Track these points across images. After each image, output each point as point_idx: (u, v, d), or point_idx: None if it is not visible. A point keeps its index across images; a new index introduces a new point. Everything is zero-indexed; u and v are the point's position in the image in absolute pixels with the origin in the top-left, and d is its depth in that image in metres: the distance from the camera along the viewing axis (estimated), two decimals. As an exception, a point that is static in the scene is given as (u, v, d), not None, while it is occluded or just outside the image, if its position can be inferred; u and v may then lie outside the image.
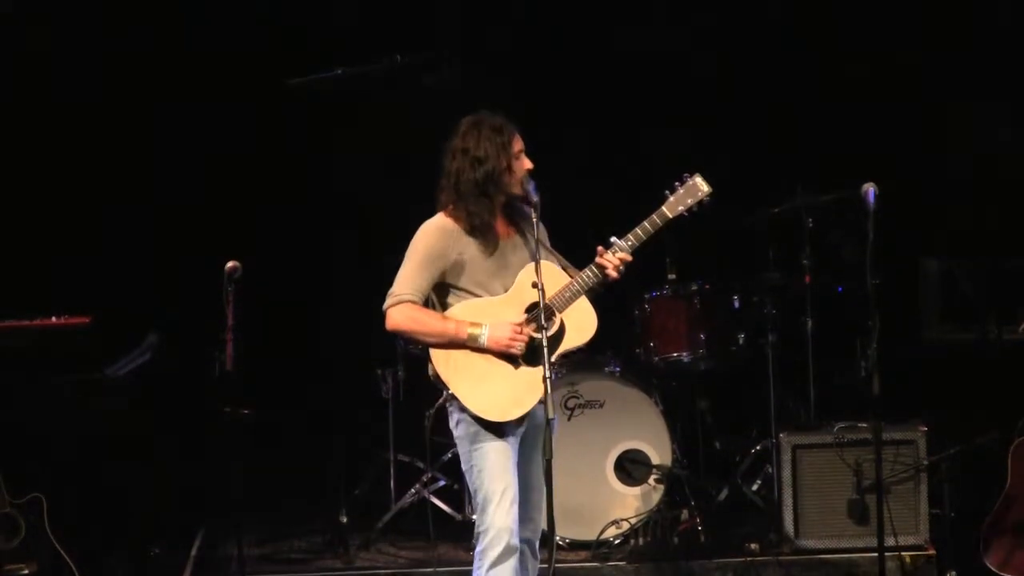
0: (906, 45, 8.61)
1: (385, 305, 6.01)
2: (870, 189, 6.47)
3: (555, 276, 6.04)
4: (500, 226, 6.06)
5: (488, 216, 5.99)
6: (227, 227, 8.42)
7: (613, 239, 6.05)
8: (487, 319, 5.95)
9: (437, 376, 6.00)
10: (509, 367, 5.97)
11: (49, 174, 8.58)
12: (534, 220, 5.94)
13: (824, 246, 7.93)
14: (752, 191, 7.87)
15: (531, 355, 5.95)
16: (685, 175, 6.11)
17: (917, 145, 8.57)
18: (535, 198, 5.96)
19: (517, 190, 6.00)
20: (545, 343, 5.80)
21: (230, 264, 6.63)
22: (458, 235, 6.00)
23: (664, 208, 6.08)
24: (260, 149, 8.59)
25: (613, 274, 6.02)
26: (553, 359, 5.90)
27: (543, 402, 5.79)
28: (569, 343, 6.05)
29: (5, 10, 8.47)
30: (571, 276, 6.05)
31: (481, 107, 6.10)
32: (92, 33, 8.54)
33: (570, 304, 6.01)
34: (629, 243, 6.04)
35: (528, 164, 6.04)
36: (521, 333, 5.93)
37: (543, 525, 6.01)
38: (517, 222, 6.09)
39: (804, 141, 8.59)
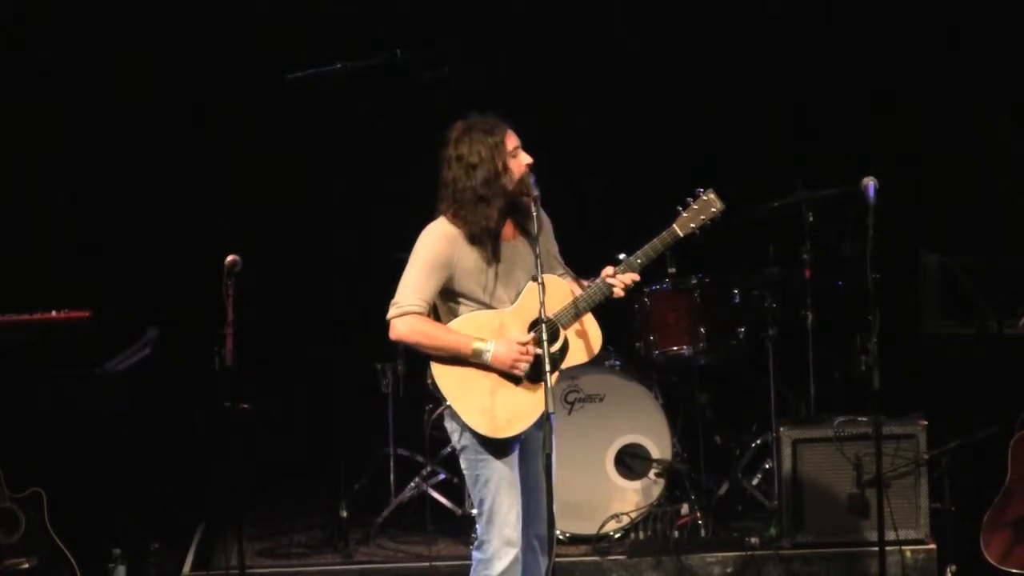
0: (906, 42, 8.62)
1: (389, 315, 5.95)
2: (870, 184, 6.48)
3: (560, 290, 5.99)
4: (506, 228, 6.00)
5: (488, 223, 5.91)
6: (227, 221, 8.42)
7: (622, 256, 5.99)
8: (491, 334, 5.92)
9: (436, 387, 5.97)
10: (511, 384, 5.94)
11: (48, 169, 8.57)
12: (534, 214, 5.91)
13: (824, 240, 7.92)
14: (752, 185, 7.86)
15: (533, 372, 5.91)
16: (699, 189, 6.03)
17: (917, 141, 8.57)
18: (535, 192, 5.92)
19: (516, 188, 5.94)
20: (546, 338, 5.78)
21: (230, 258, 6.63)
22: (461, 241, 5.94)
23: (676, 226, 6.01)
24: (260, 144, 8.59)
25: (621, 293, 5.98)
26: (554, 376, 5.85)
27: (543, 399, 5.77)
28: (572, 360, 6.01)
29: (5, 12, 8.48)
30: (575, 287, 6.01)
31: (471, 110, 6.02)
32: (97, 29, 8.54)
33: (575, 321, 5.98)
34: (639, 261, 5.98)
35: (527, 159, 5.97)
36: (526, 353, 5.89)
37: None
38: (522, 223, 6.02)
39: (804, 135, 8.58)
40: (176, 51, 8.59)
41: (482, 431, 5.92)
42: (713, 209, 6.02)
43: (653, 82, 8.70)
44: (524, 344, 5.90)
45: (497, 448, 5.95)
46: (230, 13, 8.58)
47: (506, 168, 5.92)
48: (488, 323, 5.95)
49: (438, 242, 5.94)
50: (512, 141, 5.97)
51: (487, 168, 5.89)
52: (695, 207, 6.03)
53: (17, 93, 8.49)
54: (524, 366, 5.90)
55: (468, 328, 5.94)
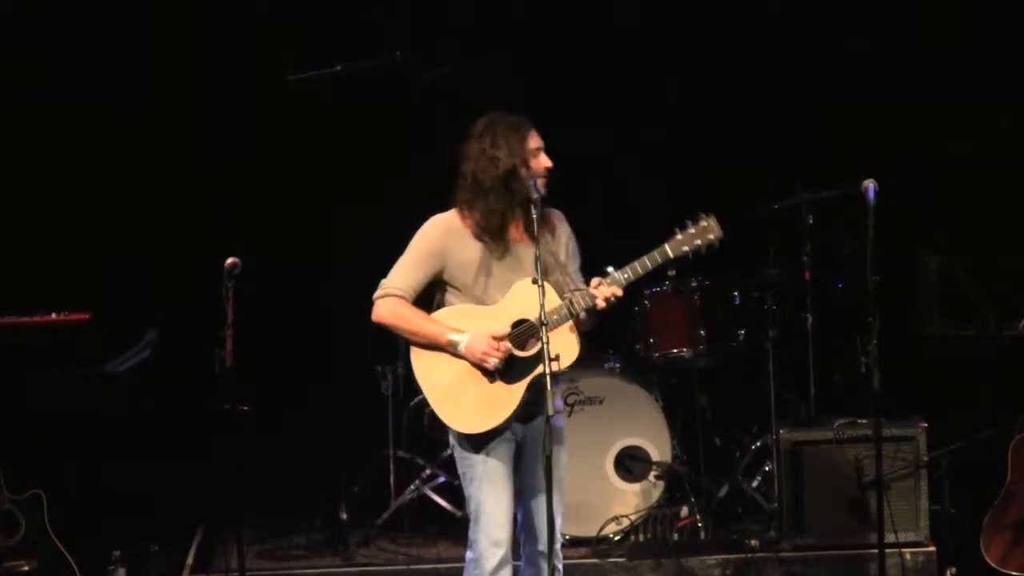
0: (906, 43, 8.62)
1: (375, 295, 6.00)
2: (870, 185, 6.49)
3: (548, 295, 5.92)
4: (512, 230, 6.00)
5: (503, 216, 5.92)
6: (227, 223, 8.42)
7: (609, 269, 5.95)
8: (471, 328, 5.92)
9: (414, 375, 5.99)
10: (484, 380, 5.93)
11: (50, 172, 8.58)
12: (534, 215, 5.89)
13: (824, 242, 7.92)
14: (752, 186, 7.86)
15: (507, 371, 5.90)
16: (700, 214, 5.96)
17: (917, 141, 8.56)
18: (535, 194, 5.89)
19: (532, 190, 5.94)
20: (545, 338, 5.75)
21: (230, 260, 6.64)
22: (462, 236, 5.96)
23: (667, 246, 5.94)
24: (260, 146, 8.59)
25: (601, 303, 5.92)
26: (528, 380, 5.86)
27: (543, 400, 5.74)
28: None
29: (5, 10, 8.48)
30: (565, 297, 5.97)
31: (471, 110, 6.04)
32: (96, 33, 8.54)
33: (556, 327, 5.92)
34: (625, 276, 5.94)
35: (547, 162, 5.97)
36: (497, 348, 5.88)
37: (556, 525, 5.94)
38: (528, 225, 5.98)
39: (804, 135, 8.58)
40: (176, 51, 8.58)
41: (447, 420, 5.93)
42: (711, 236, 5.94)
43: (653, 82, 8.69)
44: (497, 339, 5.90)
45: (474, 444, 5.94)
46: (230, 13, 8.58)
47: (527, 165, 5.93)
48: (471, 317, 5.95)
49: (433, 233, 5.98)
50: (535, 140, 5.99)
51: (510, 162, 5.90)
52: (692, 231, 5.96)
53: (17, 94, 8.48)
54: (494, 361, 5.88)
55: (450, 320, 5.95)
